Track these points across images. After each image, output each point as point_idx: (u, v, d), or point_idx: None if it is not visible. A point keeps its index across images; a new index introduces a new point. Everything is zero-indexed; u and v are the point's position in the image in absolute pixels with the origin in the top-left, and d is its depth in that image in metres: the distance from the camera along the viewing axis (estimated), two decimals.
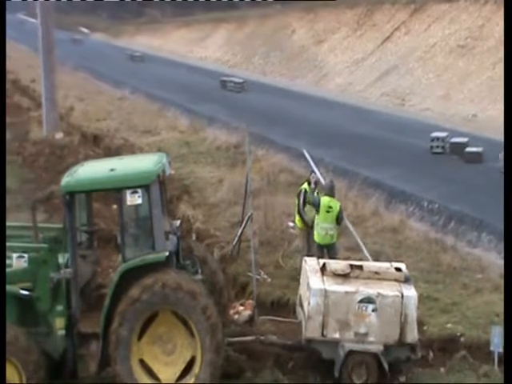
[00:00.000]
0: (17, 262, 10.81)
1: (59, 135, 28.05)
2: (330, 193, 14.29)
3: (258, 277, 14.66)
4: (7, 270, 10.65)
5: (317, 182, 14.95)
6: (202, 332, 10.33)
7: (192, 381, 10.49)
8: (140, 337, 10.49)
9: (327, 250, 14.26)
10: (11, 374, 10.33)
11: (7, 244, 10.86)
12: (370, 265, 12.28)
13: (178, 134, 28.85)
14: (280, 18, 63.96)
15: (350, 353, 11.25)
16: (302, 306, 11.96)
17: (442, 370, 12.06)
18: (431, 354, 12.38)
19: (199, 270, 11.77)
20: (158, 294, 10.24)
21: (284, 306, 13.93)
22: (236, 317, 13.29)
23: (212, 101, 40.87)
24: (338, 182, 15.08)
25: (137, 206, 10.76)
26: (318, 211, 14.24)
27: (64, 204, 10.64)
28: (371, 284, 11.54)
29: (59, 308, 10.79)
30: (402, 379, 11.65)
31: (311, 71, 52.13)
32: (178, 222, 12.03)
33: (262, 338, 12.10)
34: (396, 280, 11.68)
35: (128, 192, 10.48)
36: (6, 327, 10.17)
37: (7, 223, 11.64)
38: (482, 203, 20.87)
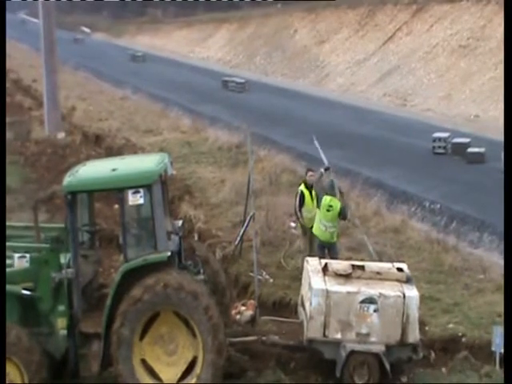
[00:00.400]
0: (18, 261, 10.81)
1: (61, 135, 28.06)
2: (331, 192, 14.31)
3: (260, 277, 14.65)
4: (9, 269, 10.65)
5: (322, 173, 14.86)
6: (204, 332, 10.32)
7: (194, 381, 10.49)
8: (142, 337, 10.49)
9: (328, 251, 14.28)
10: (13, 373, 10.34)
11: (9, 244, 10.88)
12: (372, 265, 12.27)
13: (180, 134, 28.85)
14: (282, 19, 63.94)
15: (352, 353, 11.24)
16: (303, 306, 11.95)
17: (444, 370, 12.05)
18: (433, 355, 12.37)
19: (201, 270, 11.74)
20: (159, 294, 10.23)
21: (286, 306, 13.93)
22: (238, 317, 13.27)
23: (214, 101, 40.87)
24: (339, 182, 15.05)
25: (139, 206, 10.74)
26: (319, 207, 14.30)
27: (66, 204, 10.63)
28: (373, 284, 11.53)
29: (61, 308, 10.78)
30: (404, 379, 11.64)
31: (313, 71, 52.12)
32: (179, 222, 12.03)
33: (264, 338, 12.07)
34: (398, 280, 11.67)
35: (130, 192, 10.47)
36: (8, 327, 10.19)
37: (9, 223, 11.67)
38: (483, 203, 20.87)
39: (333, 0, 58.03)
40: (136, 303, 10.23)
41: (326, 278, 11.67)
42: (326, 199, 14.20)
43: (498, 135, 24.83)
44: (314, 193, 14.88)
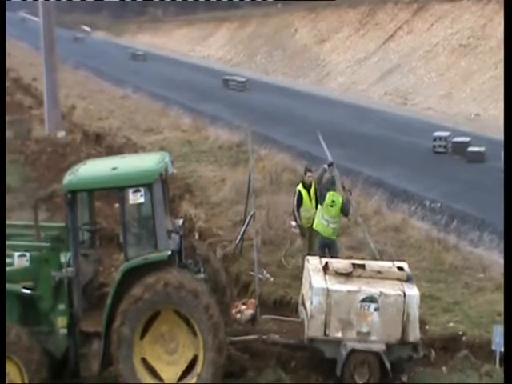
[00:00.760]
0: (19, 260, 10.81)
1: (61, 134, 28.05)
2: (332, 187, 14.33)
3: (261, 276, 14.65)
4: (9, 268, 10.65)
5: (325, 169, 14.87)
6: (205, 331, 10.31)
7: (194, 380, 10.48)
8: (142, 336, 10.48)
9: (328, 249, 14.29)
10: (13, 373, 10.33)
11: (9, 243, 10.87)
12: (372, 264, 12.26)
13: (181, 132, 28.83)
14: (282, 18, 63.93)
15: (352, 352, 11.24)
16: (304, 305, 11.95)
17: (444, 369, 12.05)
18: (433, 353, 12.37)
19: (201, 269, 11.74)
20: (160, 292, 10.23)
21: (286, 305, 13.93)
22: (238, 316, 13.26)
23: (214, 100, 40.85)
24: (342, 179, 15.07)
25: (139, 205, 10.73)
26: (321, 204, 14.30)
27: (66, 203, 10.63)
28: (373, 283, 11.53)
29: (61, 307, 10.78)
30: (404, 378, 11.64)
31: (314, 70, 52.10)
32: (180, 221, 12.03)
33: (265, 337, 12.07)
34: (398, 279, 11.68)
35: (130, 191, 10.46)
36: (8, 326, 10.18)
37: (9, 222, 11.66)
38: (484, 202, 20.87)
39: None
40: (136, 302, 10.22)
41: (327, 276, 11.67)
42: (330, 194, 14.22)
43: (499, 134, 24.80)
44: (312, 192, 14.91)
